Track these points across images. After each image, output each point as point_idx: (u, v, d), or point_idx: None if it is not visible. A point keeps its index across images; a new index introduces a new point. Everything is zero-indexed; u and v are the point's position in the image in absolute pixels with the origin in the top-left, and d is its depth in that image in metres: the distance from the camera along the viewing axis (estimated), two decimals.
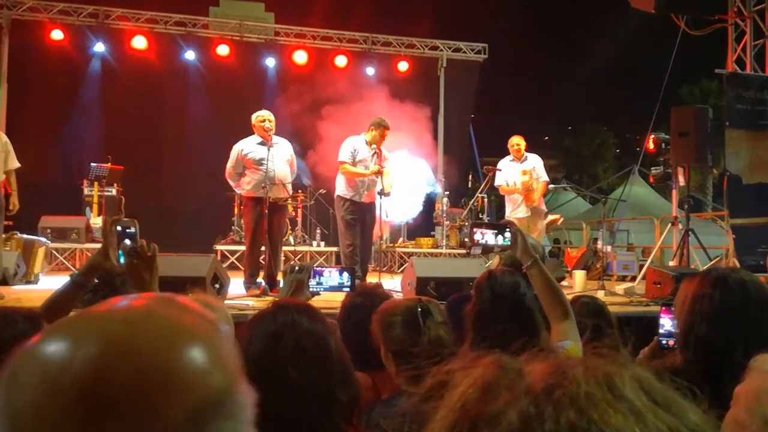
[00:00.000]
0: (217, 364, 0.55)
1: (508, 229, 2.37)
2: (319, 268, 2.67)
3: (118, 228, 1.95)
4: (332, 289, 2.67)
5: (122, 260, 1.93)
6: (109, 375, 0.50)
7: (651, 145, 8.75)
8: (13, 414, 0.50)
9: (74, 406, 0.49)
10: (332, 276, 2.68)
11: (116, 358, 0.51)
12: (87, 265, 1.95)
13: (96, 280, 1.95)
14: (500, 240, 2.42)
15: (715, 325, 1.70)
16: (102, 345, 0.51)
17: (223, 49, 11.43)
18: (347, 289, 2.72)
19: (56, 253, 8.63)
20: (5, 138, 5.64)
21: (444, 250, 10.15)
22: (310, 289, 2.48)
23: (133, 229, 1.97)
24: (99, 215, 9.48)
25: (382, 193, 6.30)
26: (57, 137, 10.46)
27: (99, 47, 10.98)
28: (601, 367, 0.49)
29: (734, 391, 1.16)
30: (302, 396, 1.36)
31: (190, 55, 11.41)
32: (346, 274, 2.75)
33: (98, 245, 8.31)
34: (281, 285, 2.61)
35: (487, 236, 2.46)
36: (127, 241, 1.93)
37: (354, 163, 6.38)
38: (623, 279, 9.00)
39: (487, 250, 5.50)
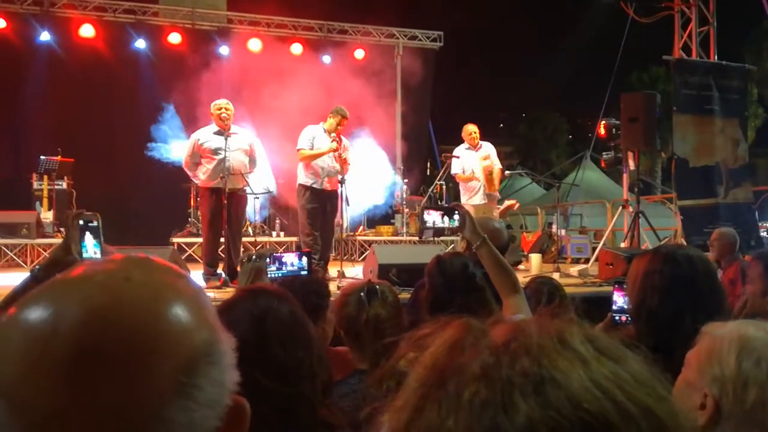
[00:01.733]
0: (200, 318, 0.58)
1: (456, 212, 2.45)
2: (277, 254, 2.68)
3: (81, 222, 1.92)
4: (290, 273, 2.69)
5: (84, 255, 1.90)
6: (97, 337, 0.52)
7: (602, 131, 8.99)
8: (3, 385, 0.51)
9: (66, 371, 0.50)
10: (290, 260, 2.70)
11: (103, 320, 0.52)
12: (48, 259, 1.92)
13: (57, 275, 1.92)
14: (449, 222, 2.50)
15: (665, 298, 1.80)
16: (87, 309, 0.53)
17: (174, 38, 11.19)
18: (305, 273, 2.75)
19: (6, 249, 8.37)
20: None
21: (404, 238, 10.23)
22: (269, 275, 2.50)
23: (95, 223, 1.94)
24: (49, 209, 9.21)
25: (343, 181, 6.31)
26: (3, 130, 10.12)
27: (45, 36, 10.61)
28: (553, 324, 0.54)
29: (686, 356, 1.23)
30: (290, 375, 1.41)
31: (140, 43, 11.13)
32: (304, 258, 2.77)
33: (49, 240, 8.11)
34: (240, 275, 2.62)
35: (436, 219, 2.52)
36: (90, 235, 1.91)
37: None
38: (577, 261, 9.24)
39: (438, 233, 5.60)
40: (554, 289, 2.99)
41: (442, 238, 8.04)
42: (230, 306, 1.56)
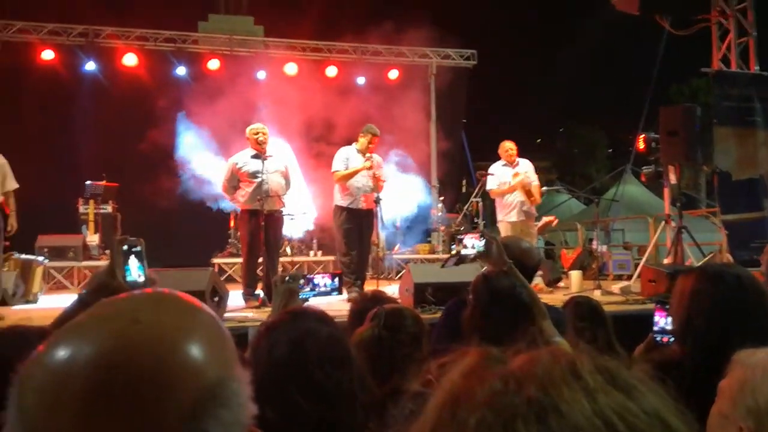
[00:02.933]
0: (210, 357, 0.59)
1: (483, 237, 2.43)
2: (309, 275, 2.72)
3: (125, 247, 1.99)
4: (322, 294, 2.72)
5: (128, 278, 1.97)
6: (105, 381, 0.55)
7: (641, 145, 8.84)
8: (27, 413, 0.55)
9: (78, 412, 0.54)
10: (322, 281, 2.73)
11: (110, 365, 0.55)
12: (94, 284, 1.99)
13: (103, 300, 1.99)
14: (479, 247, 2.48)
15: (712, 320, 1.74)
16: (96, 353, 0.56)
17: (213, 64, 11.49)
18: (336, 293, 2.78)
19: (54, 272, 8.64)
20: (3, 159, 5.68)
21: (441, 256, 10.20)
22: (301, 296, 2.53)
23: (139, 248, 2.01)
24: (95, 233, 9.50)
25: (378, 200, 6.35)
26: (51, 156, 10.46)
27: (90, 66, 11.02)
28: (567, 354, 0.55)
29: (718, 386, 1.20)
30: (329, 397, 1.41)
31: (180, 70, 11.46)
32: (336, 279, 2.80)
33: (95, 263, 8.33)
34: (273, 296, 2.66)
35: (470, 244, 2.51)
36: (134, 259, 1.97)
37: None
38: (619, 278, 9.06)
39: (460, 262, 5.57)
40: (592, 309, 2.94)
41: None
42: (271, 329, 1.59)
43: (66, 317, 1.98)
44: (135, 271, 2.04)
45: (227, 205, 8.86)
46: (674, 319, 1.94)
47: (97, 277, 2.06)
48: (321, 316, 1.63)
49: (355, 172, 6.39)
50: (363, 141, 6.52)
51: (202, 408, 0.57)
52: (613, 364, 0.55)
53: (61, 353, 0.57)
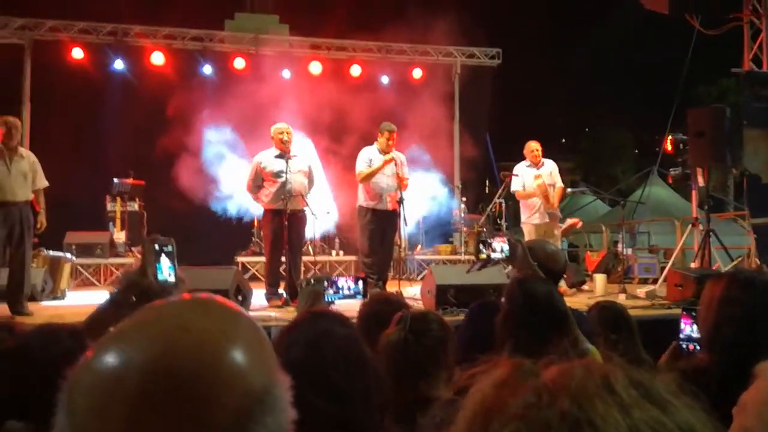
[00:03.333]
0: (256, 363, 0.60)
1: (508, 241, 2.42)
2: (334, 278, 2.74)
3: (156, 246, 2.02)
4: (346, 297, 2.74)
5: (159, 277, 2.00)
6: (155, 387, 0.55)
7: (669, 146, 8.72)
8: (76, 418, 0.56)
9: (128, 417, 0.54)
10: (347, 284, 2.75)
11: (160, 371, 0.56)
12: (126, 283, 2.02)
13: (134, 298, 2.02)
14: (504, 252, 2.47)
15: (742, 329, 1.71)
16: (146, 359, 0.57)
17: (239, 63, 11.58)
18: (360, 296, 2.80)
19: (81, 269, 8.79)
20: (33, 157, 5.78)
21: (462, 257, 10.16)
22: (326, 299, 2.54)
23: (170, 248, 2.04)
24: (122, 230, 9.64)
25: (401, 201, 6.35)
26: (79, 154, 10.63)
27: (118, 64, 11.17)
28: (600, 367, 0.54)
29: (740, 399, 1.18)
30: (345, 397, 1.42)
31: (207, 69, 11.57)
32: (360, 282, 2.81)
33: (122, 260, 8.46)
34: (299, 297, 2.68)
35: (497, 246, 2.50)
36: (165, 259, 2.00)
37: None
38: (645, 282, 8.94)
39: (485, 265, 5.56)
40: (618, 315, 2.90)
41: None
42: (290, 329, 1.60)
43: (98, 316, 2.01)
44: (166, 270, 2.07)
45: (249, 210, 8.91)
46: (702, 325, 1.90)
47: (128, 276, 2.09)
48: (339, 318, 1.64)
49: (378, 169, 6.40)
50: (382, 140, 6.53)
51: (250, 414, 0.57)
52: (646, 377, 0.55)
53: (110, 359, 0.57)
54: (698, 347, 2.29)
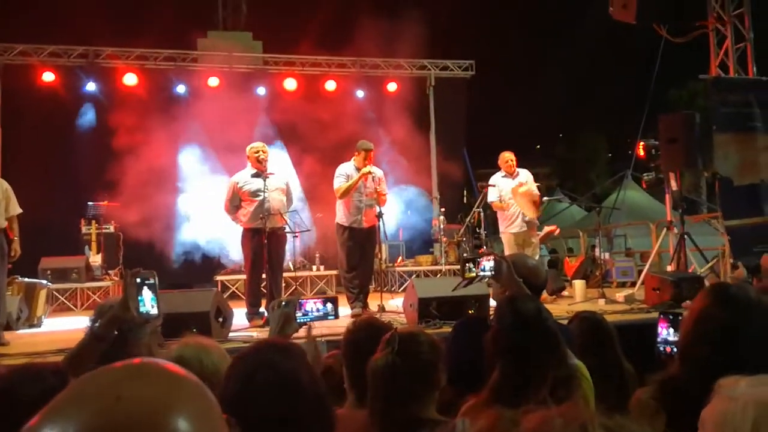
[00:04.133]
0: (197, 428, 0.58)
1: (492, 259, 2.44)
2: (304, 300, 2.74)
3: (138, 279, 2.01)
4: (317, 318, 2.74)
5: (142, 309, 1.99)
6: None
7: (641, 152, 8.87)
8: None
9: None
10: (316, 306, 2.75)
11: None
12: (107, 317, 2.00)
13: (116, 332, 2.01)
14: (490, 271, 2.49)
15: (715, 348, 1.66)
16: None
17: (213, 81, 11.54)
18: (332, 317, 2.80)
19: (57, 294, 8.64)
20: (6, 185, 5.68)
21: (443, 267, 10.20)
22: (298, 321, 2.54)
23: (152, 280, 2.04)
24: (98, 253, 9.51)
25: (380, 215, 6.35)
26: (52, 177, 10.50)
27: (90, 86, 11.08)
28: (579, 416, 0.56)
29: (700, 415, 1.18)
30: (275, 429, 1.42)
31: (180, 88, 11.51)
32: (329, 304, 2.81)
33: (98, 284, 8.32)
34: (270, 320, 2.69)
35: (486, 267, 2.52)
36: (147, 291, 2.00)
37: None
38: (623, 285, 9.04)
39: (469, 283, 5.59)
40: (598, 326, 2.93)
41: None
42: (234, 363, 1.61)
43: (79, 352, 2.00)
44: (148, 302, 2.07)
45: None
46: (680, 335, 1.89)
47: (109, 310, 2.08)
48: (282, 348, 1.63)
49: (355, 183, 6.39)
50: (358, 159, 6.53)
51: None
52: (623, 422, 0.56)
53: None
54: (675, 349, 2.33)
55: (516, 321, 2.05)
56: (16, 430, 0.58)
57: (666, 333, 2.46)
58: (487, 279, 2.55)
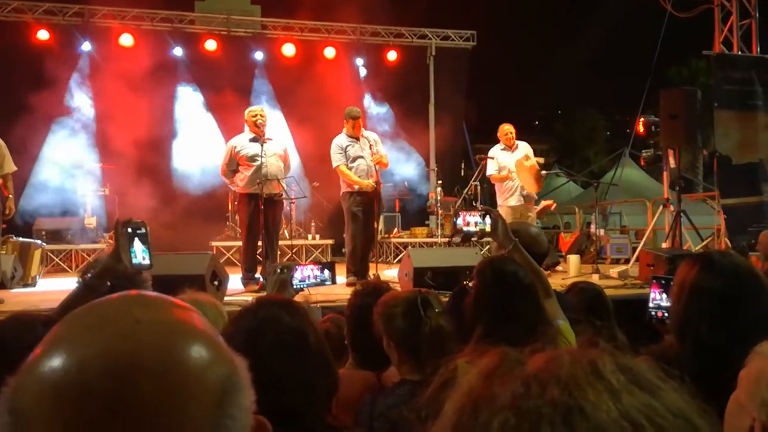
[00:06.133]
0: (217, 349, 0.58)
1: (488, 215, 2.44)
2: (301, 266, 2.73)
3: (129, 229, 1.98)
4: (314, 284, 2.74)
5: (134, 261, 1.96)
6: (128, 389, 0.51)
7: (641, 128, 8.82)
8: (30, 425, 0.51)
9: (103, 428, 0.50)
10: (313, 272, 2.74)
11: (129, 369, 0.52)
12: (100, 268, 1.97)
13: (108, 283, 1.98)
14: (482, 225, 2.49)
15: (715, 326, 1.64)
16: (110, 360, 0.52)
17: (210, 44, 11.37)
18: (329, 283, 2.81)
19: (52, 255, 8.62)
20: (0, 141, 5.62)
21: (439, 239, 10.21)
22: (294, 287, 2.54)
23: (143, 230, 2.00)
24: (93, 215, 9.48)
25: (377, 184, 6.28)
26: (47, 139, 10.42)
27: (86, 46, 10.91)
28: (587, 353, 0.54)
29: (739, 375, 1.19)
30: (282, 386, 1.42)
31: (177, 51, 11.35)
32: (327, 271, 2.81)
33: (93, 246, 8.29)
34: (267, 287, 2.69)
35: (471, 221, 2.52)
36: (138, 242, 1.96)
37: (348, 164, 6.33)
38: (617, 262, 9.09)
39: (466, 238, 5.59)
40: (597, 295, 2.94)
41: (477, 240, 7.99)
42: (237, 317, 1.61)
43: (72, 303, 1.97)
44: (140, 253, 2.03)
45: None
46: (673, 308, 1.85)
47: (101, 261, 2.05)
48: (288, 305, 1.63)
49: (360, 182, 6.26)
50: (348, 127, 6.41)
51: (226, 397, 0.56)
52: (633, 362, 0.55)
53: (64, 362, 0.52)
54: (666, 314, 2.34)
55: (495, 279, 2.09)
56: (5, 380, 0.55)
57: (659, 298, 2.48)
58: (481, 235, 2.55)
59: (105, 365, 0.52)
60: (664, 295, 2.43)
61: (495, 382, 0.54)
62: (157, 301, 0.61)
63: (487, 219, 2.48)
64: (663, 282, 2.44)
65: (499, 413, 0.50)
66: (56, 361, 0.53)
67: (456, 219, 2.66)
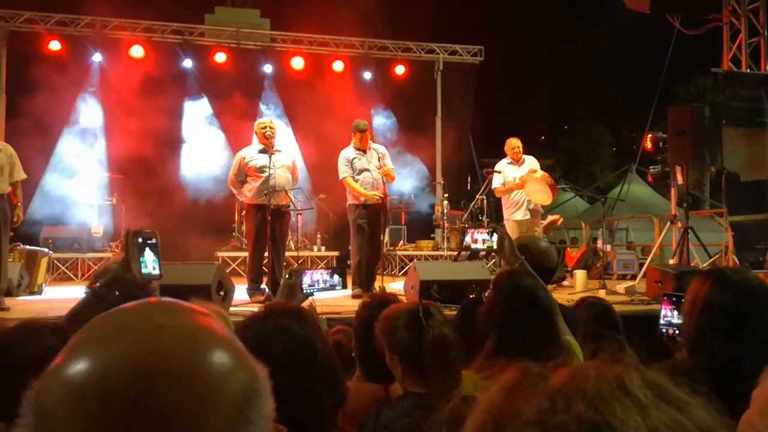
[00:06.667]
0: (239, 357, 0.59)
1: (494, 233, 2.43)
2: (311, 270, 2.72)
3: (140, 239, 1.98)
4: (323, 289, 2.72)
5: (143, 271, 1.95)
6: (149, 392, 0.52)
7: (649, 145, 8.81)
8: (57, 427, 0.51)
9: (121, 418, 0.50)
10: (323, 277, 2.73)
11: (150, 373, 0.52)
12: (108, 277, 1.97)
13: (117, 293, 1.98)
14: (489, 242, 2.48)
15: (727, 340, 1.65)
16: (132, 363, 0.53)
17: (220, 57, 11.46)
18: (339, 288, 2.78)
19: (58, 263, 8.64)
20: (11, 149, 5.65)
21: (444, 252, 10.19)
22: (304, 292, 2.53)
23: (154, 240, 2.00)
24: (100, 224, 9.50)
25: (384, 197, 6.29)
26: (56, 148, 10.47)
27: (97, 57, 11.00)
28: (612, 368, 0.53)
29: (752, 393, 1.18)
30: (288, 398, 1.41)
31: (187, 63, 11.43)
32: (336, 276, 2.79)
33: (100, 255, 8.31)
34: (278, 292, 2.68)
35: (479, 238, 2.51)
36: (149, 252, 1.96)
37: (355, 176, 6.36)
38: (623, 278, 9.04)
39: (473, 255, 5.58)
40: (605, 311, 2.91)
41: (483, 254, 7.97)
42: (245, 325, 1.59)
43: (80, 311, 1.97)
44: (150, 263, 2.02)
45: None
46: (685, 323, 1.86)
47: (110, 270, 2.04)
48: (297, 314, 1.62)
49: (366, 194, 6.29)
50: (355, 140, 6.45)
51: (247, 402, 0.56)
52: (660, 377, 0.54)
53: (88, 366, 0.53)
54: (677, 332, 2.32)
55: (512, 293, 2.07)
56: (9, 387, 0.55)
57: (670, 315, 2.46)
58: (487, 252, 2.55)
59: (128, 369, 0.53)
60: (675, 312, 2.41)
61: (518, 398, 0.53)
62: (178, 308, 0.61)
63: (495, 236, 2.48)
64: (674, 299, 2.42)
65: (524, 429, 0.50)
66: (80, 365, 0.53)
67: (464, 237, 2.65)
